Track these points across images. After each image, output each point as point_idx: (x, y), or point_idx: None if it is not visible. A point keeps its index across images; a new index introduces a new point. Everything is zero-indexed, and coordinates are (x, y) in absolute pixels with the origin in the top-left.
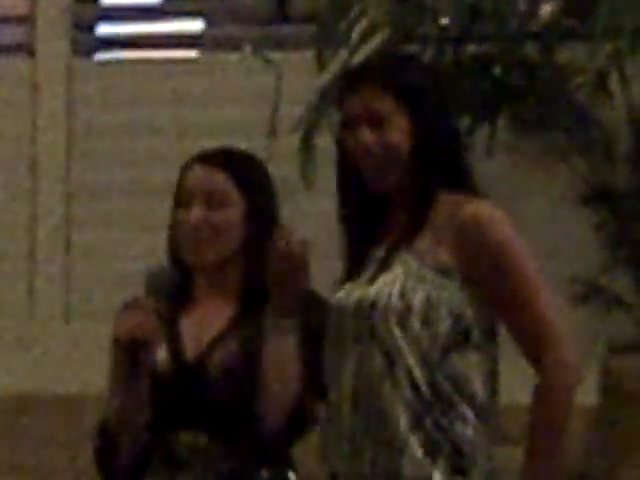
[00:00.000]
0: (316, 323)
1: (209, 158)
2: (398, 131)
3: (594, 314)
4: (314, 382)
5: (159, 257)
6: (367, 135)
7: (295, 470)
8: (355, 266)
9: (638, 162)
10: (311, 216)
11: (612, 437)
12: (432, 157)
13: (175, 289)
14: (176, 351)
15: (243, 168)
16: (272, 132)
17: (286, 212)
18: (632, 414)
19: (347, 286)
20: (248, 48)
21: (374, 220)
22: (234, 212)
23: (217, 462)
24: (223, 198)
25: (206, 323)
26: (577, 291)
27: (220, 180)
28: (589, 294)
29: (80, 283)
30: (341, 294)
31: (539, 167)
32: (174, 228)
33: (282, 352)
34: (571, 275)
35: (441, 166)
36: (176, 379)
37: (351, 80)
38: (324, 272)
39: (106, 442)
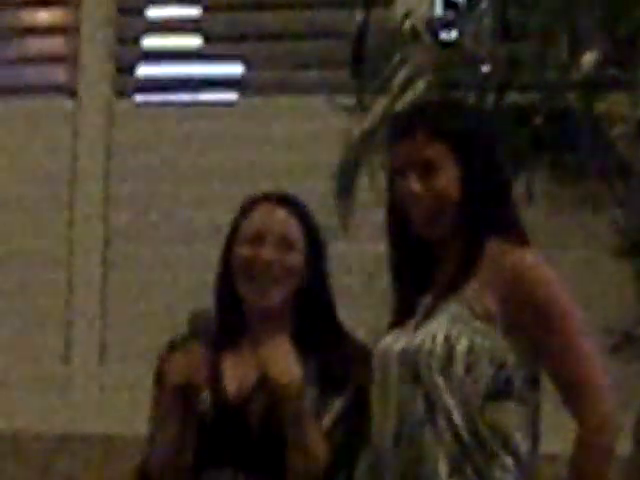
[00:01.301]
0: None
1: (278, 200)
2: (448, 179)
3: (630, 364)
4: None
5: (196, 300)
6: (417, 183)
7: None
8: (403, 313)
9: None
10: (349, 261)
11: None
12: (482, 206)
13: (220, 330)
14: (220, 391)
15: (307, 215)
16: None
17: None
18: None
19: (394, 333)
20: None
21: (423, 268)
22: (300, 257)
23: None
24: (293, 242)
25: (252, 364)
26: (613, 342)
27: (292, 224)
28: (625, 344)
29: (116, 324)
30: (387, 341)
31: (578, 217)
32: (236, 265)
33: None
34: (607, 326)
35: (491, 214)
36: (218, 419)
37: (402, 125)
38: (361, 317)
39: None
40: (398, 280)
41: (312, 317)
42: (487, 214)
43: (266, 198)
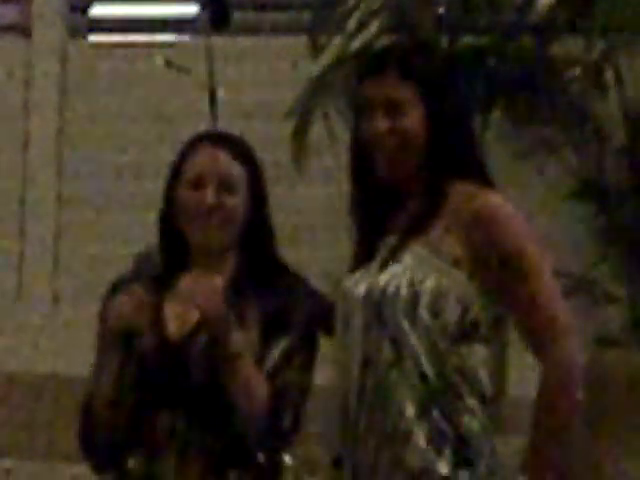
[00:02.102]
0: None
1: (219, 141)
2: (414, 119)
3: (582, 307)
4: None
5: (148, 239)
6: (383, 122)
7: (293, 453)
8: (365, 255)
9: (630, 157)
10: (303, 201)
11: (597, 430)
12: (446, 147)
13: (164, 270)
14: (159, 334)
15: (249, 155)
16: (213, 117)
17: (279, 197)
18: (617, 407)
19: (357, 275)
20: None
21: (385, 209)
22: (242, 200)
23: (197, 443)
24: (235, 184)
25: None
26: (566, 285)
27: (234, 166)
28: (578, 288)
29: (69, 265)
30: (350, 283)
31: (531, 160)
32: (179, 207)
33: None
34: (561, 269)
35: (455, 156)
36: (159, 359)
37: (370, 65)
38: (317, 257)
39: (90, 421)
40: (359, 222)
41: (254, 257)
42: (452, 155)
43: (208, 138)
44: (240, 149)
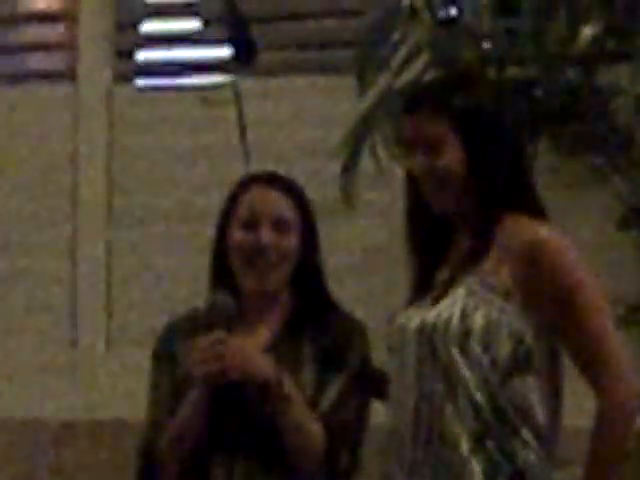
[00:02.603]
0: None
1: (270, 180)
2: (451, 155)
3: (636, 337)
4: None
5: (199, 283)
6: (420, 160)
7: None
8: (421, 290)
9: None
10: (352, 239)
11: None
12: (489, 178)
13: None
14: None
15: (301, 196)
16: (246, 158)
17: (328, 235)
18: None
19: (410, 310)
20: None
21: (440, 243)
22: (296, 239)
23: None
24: (289, 225)
25: (251, 346)
26: (619, 314)
27: (288, 206)
28: (630, 317)
29: (121, 309)
30: (404, 317)
31: (580, 189)
32: (232, 249)
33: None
34: (613, 298)
35: (503, 187)
36: (218, 407)
37: (407, 102)
38: (364, 293)
39: (153, 464)
40: (415, 255)
41: (306, 297)
42: (498, 187)
43: (258, 179)
44: (291, 189)
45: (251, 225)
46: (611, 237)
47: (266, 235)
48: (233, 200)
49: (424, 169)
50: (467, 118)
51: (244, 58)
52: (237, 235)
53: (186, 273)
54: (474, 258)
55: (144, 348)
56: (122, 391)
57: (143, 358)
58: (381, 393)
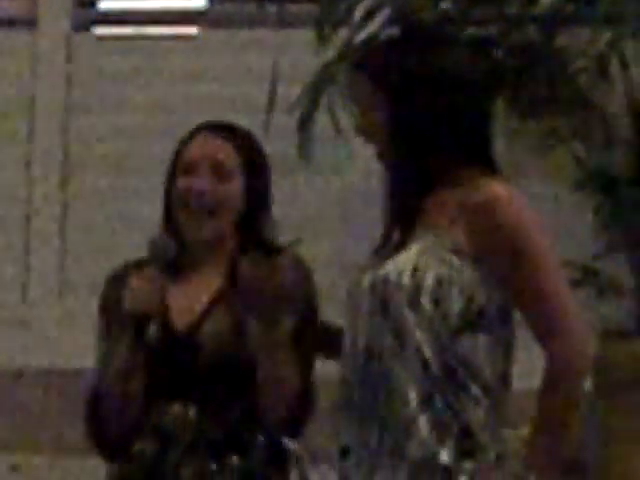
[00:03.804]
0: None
1: (216, 129)
2: (376, 115)
3: (588, 299)
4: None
5: (153, 229)
6: (358, 119)
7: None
8: (382, 246)
9: (636, 147)
10: (308, 194)
11: (605, 423)
12: (412, 135)
13: (172, 259)
14: (166, 322)
15: (247, 143)
16: (269, 109)
17: (284, 190)
18: (625, 399)
19: (366, 264)
20: None
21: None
22: (237, 186)
23: (208, 432)
24: (229, 171)
25: (196, 294)
26: (572, 275)
27: (228, 152)
28: (584, 278)
29: (76, 256)
30: (358, 272)
31: (537, 151)
32: (174, 196)
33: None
34: (566, 259)
35: (431, 146)
36: (166, 350)
37: (349, 63)
38: (320, 249)
39: (97, 410)
40: (385, 212)
41: (251, 244)
42: (422, 146)
43: (205, 128)
44: (237, 137)
45: (190, 171)
46: (568, 199)
47: (203, 181)
48: (180, 147)
49: (355, 126)
50: (391, 83)
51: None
52: (178, 182)
53: (140, 222)
54: (411, 211)
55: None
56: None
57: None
58: (333, 347)
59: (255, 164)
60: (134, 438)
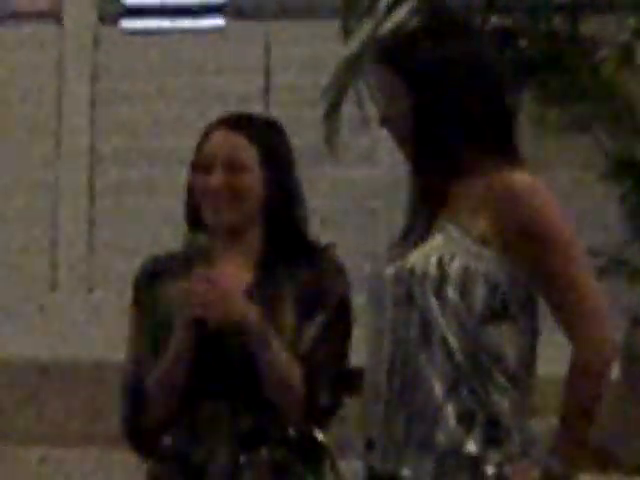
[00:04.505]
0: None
1: (231, 122)
2: (401, 107)
3: (616, 286)
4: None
5: (182, 225)
6: (383, 110)
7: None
8: (406, 236)
9: None
10: (335, 184)
11: (632, 410)
12: (437, 124)
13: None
14: (200, 323)
15: (264, 134)
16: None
17: (311, 179)
18: None
19: (391, 255)
20: None
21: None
22: (253, 177)
23: (238, 427)
24: (244, 165)
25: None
26: (599, 265)
27: (243, 147)
28: (611, 266)
29: (102, 253)
30: (381, 262)
31: (564, 139)
32: (193, 192)
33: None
34: (594, 247)
35: (472, 132)
36: (198, 345)
37: (373, 55)
38: (347, 238)
39: (141, 403)
40: (410, 200)
41: (279, 237)
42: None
43: (221, 122)
44: (254, 130)
45: (206, 168)
46: (594, 188)
47: (216, 178)
48: (199, 143)
49: (380, 119)
50: (415, 74)
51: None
52: (196, 179)
53: (168, 216)
54: (438, 204)
55: (124, 290)
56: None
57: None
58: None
59: (274, 155)
60: (165, 434)
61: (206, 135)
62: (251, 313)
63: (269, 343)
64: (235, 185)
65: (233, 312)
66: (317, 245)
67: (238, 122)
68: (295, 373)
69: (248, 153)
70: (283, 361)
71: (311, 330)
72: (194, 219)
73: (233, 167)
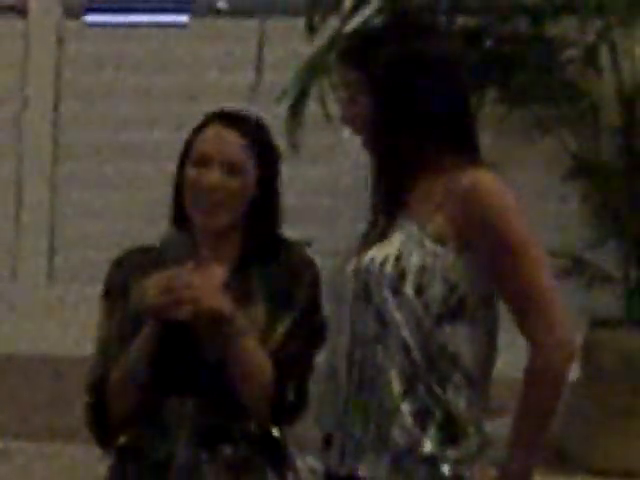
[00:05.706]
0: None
1: (229, 121)
2: (363, 105)
3: (577, 288)
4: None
5: (143, 219)
6: (343, 106)
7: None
8: (368, 231)
9: (625, 136)
10: (297, 183)
11: (592, 411)
12: (395, 122)
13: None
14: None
15: (260, 136)
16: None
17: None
18: (612, 388)
19: (352, 251)
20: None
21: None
22: (248, 179)
23: (201, 424)
24: (241, 166)
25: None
26: (560, 265)
27: (241, 148)
28: (572, 267)
29: (64, 244)
30: (342, 258)
31: (526, 139)
32: (185, 186)
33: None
34: (555, 248)
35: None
36: (167, 343)
37: (336, 53)
38: (310, 236)
39: (103, 396)
40: (373, 198)
41: (258, 236)
42: (405, 135)
43: (219, 117)
44: (249, 129)
45: (202, 164)
46: (557, 188)
47: (213, 177)
48: (193, 136)
49: (342, 118)
50: (377, 70)
51: None
52: (189, 173)
53: (132, 209)
54: (396, 199)
55: (86, 284)
56: (61, 327)
57: (85, 294)
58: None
59: (267, 156)
60: (129, 428)
61: (200, 131)
62: (225, 305)
63: (243, 336)
64: (231, 187)
65: (206, 304)
66: (287, 242)
67: (234, 120)
68: (267, 369)
69: (245, 155)
70: (256, 356)
71: (280, 327)
72: (178, 215)
73: (231, 168)
